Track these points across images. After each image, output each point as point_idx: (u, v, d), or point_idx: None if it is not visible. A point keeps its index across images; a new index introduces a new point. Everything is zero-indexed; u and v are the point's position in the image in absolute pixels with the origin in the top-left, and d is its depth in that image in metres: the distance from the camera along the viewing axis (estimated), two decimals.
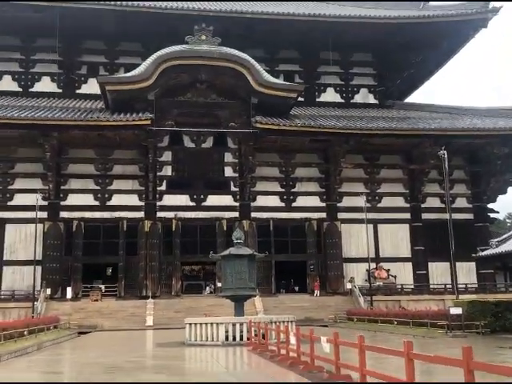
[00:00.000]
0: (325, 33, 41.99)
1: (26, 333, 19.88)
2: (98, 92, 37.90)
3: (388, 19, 42.50)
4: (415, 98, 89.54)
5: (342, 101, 46.89)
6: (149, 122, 35.34)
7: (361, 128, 37.45)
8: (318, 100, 46.53)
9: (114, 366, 11.54)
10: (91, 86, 41.92)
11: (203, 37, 36.60)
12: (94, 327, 31.71)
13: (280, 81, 40.38)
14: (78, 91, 43.59)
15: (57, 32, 38.91)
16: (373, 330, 24.30)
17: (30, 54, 43.66)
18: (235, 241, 20.34)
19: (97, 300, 35.78)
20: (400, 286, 38.57)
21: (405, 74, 48.88)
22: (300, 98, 41.85)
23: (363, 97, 47.53)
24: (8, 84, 43.20)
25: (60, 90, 43.53)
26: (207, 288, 40.64)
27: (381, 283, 39.08)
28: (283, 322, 18.98)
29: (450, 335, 20.14)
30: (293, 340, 10.91)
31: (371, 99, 47.61)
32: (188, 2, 42.94)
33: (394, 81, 48.87)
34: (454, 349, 14.99)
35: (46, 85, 43.50)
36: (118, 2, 39.29)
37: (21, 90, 43.19)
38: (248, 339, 17.73)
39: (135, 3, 39.95)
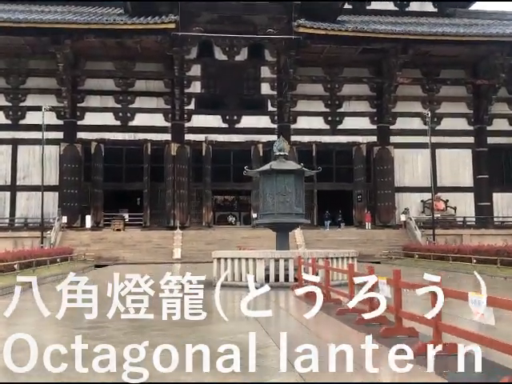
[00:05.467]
0: None
1: (16, 266, 16.07)
2: None
3: None
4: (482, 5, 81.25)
5: (396, 8, 40.61)
6: (173, 26, 30.45)
7: (422, 33, 31.70)
8: (368, 8, 40.32)
9: (94, 323, 7.16)
10: None
11: None
12: (115, 259, 28.23)
13: None
14: None
15: None
16: (444, 269, 19.79)
17: None
18: (277, 153, 15.62)
19: (119, 230, 32.28)
20: (462, 219, 33.82)
21: None
22: (347, 6, 36.23)
23: (420, 4, 41.03)
24: None
25: None
26: (230, 218, 36.96)
27: (438, 215, 34.33)
28: (341, 258, 14.62)
29: None
30: (384, 288, 6.42)
31: (429, 7, 41.17)
32: None
33: None
34: None
35: None
36: None
37: None
38: (296, 280, 13.47)
39: None
